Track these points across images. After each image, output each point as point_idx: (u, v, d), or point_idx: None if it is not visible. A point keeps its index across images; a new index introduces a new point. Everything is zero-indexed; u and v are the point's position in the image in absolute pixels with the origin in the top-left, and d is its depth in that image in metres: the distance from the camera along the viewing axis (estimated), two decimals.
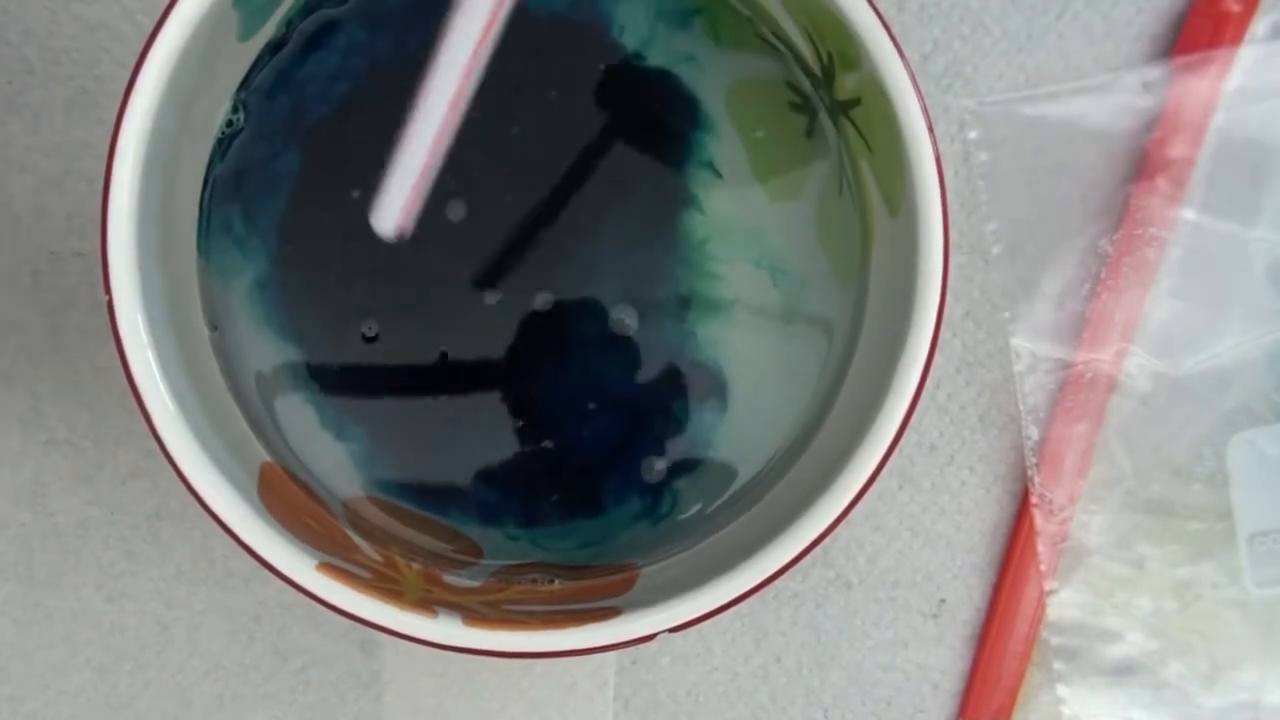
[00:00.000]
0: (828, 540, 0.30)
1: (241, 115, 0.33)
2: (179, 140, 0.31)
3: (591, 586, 0.33)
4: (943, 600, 0.39)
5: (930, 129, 0.29)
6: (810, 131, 0.34)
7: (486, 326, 0.34)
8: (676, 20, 0.33)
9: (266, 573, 0.29)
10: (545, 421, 0.34)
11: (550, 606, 0.32)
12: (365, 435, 0.34)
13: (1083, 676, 0.38)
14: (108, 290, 0.28)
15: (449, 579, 0.33)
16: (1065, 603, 0.38)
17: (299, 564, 0.29)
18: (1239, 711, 0.38)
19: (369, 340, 0.34)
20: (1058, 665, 0.39)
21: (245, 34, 0.32)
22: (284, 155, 0.33)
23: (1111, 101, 0.38)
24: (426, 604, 0.30)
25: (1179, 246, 0.38)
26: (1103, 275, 0.38)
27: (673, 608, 0.29)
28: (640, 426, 0.34)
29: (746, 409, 0.34)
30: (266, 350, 0.34)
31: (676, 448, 0.34)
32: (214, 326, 0.33)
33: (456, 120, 0.30)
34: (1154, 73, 0.38)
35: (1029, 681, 0.39)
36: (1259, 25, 0.37)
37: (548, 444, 0.34)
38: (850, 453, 0.30)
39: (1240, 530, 0.38)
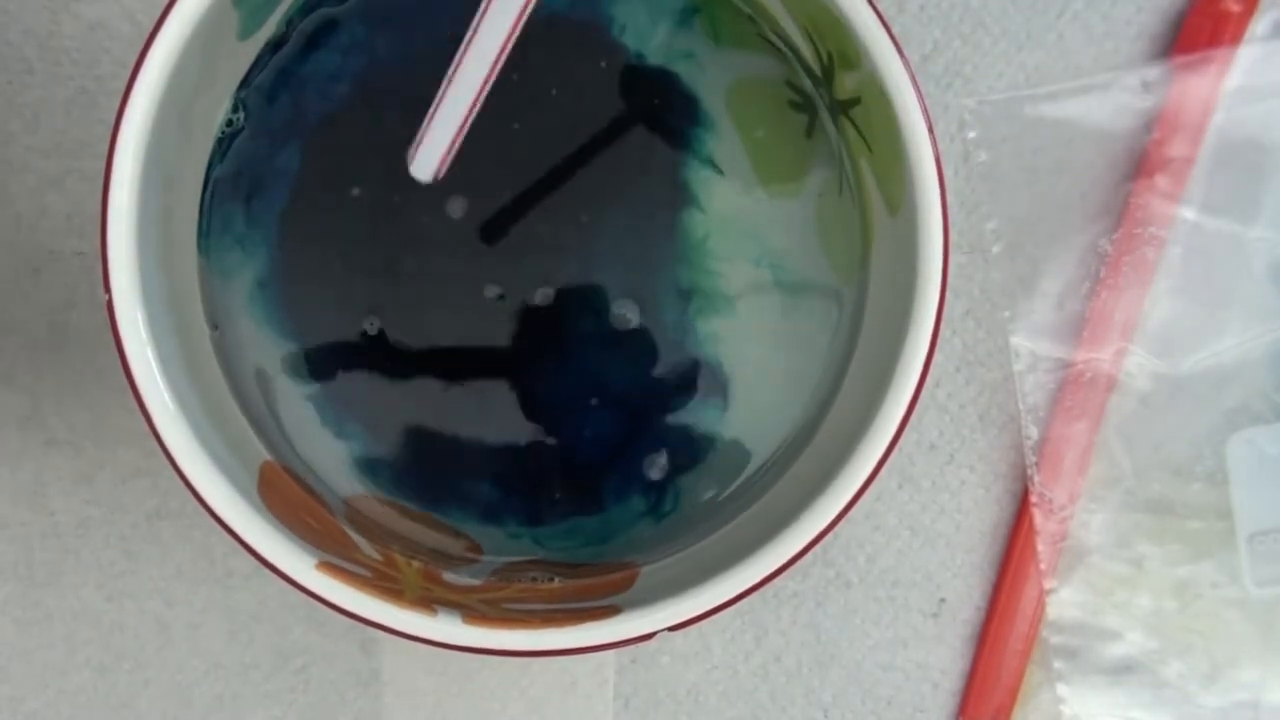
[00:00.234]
0: (827, 539, 0.30)
1: (241, 114, 0.33)
2: (179, 139, 0.31)
3: (591, 585, 0.33)
4: (942, 599, 0.39)
5: (930, 128, 0.29)
6: (810, 131, 0.34)
7: (487, 323, 0.34)
8: (676, 19, 0.33)
9: (267, 572, 0.29)
10: (547, 418, 0.34)
11: (550, 605, 0.32)
12: (365, 433, 0.34)
13: (1082, 675, 0.38)
14: (107, 289, 0.28)
15: (449, 577, 0.33)
16: (1065, 602, 0.38)
17: (299, 562, 0.29)
18: (1239, 711, 0.38)
19: (370, 338, 0.34)
20: (1057, 664, 0.39)
21: (245, 33, 0.32)
22: (284, 154, 0.33)
23: (1111, 101, 0.38)
24: (426, 602, 0.30)
25: (1178, 246, 0.38)
26: (1102, 274, 0.38)
27: (672, 606, 0.30)
28: (642, 423, 0.34)
29: (747, 407, 0.34)
30: (267, 349, 0.34)
31: (678, 444, 0.34)
32: (214, 325, 0.33)
33: (499, 67, 0.30)
34: (1154, 72, 0.38)
35: (1029, 680, 0.39)
36: (1259, 24, 0.37)
37: (550, 441, 0.34)
38: (850, 451, 0.30)
39: (1240, 529, 0.38)
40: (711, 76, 0.34)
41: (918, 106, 0.29)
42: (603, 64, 0.33)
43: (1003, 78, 0.38)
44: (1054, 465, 0.38)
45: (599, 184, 0.34)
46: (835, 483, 0.30)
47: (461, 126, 0.31)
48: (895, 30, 0.29)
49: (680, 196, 0.34)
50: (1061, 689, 0.39)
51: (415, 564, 0.33)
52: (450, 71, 0.31)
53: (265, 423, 0.34)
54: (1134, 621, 0.38)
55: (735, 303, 0.34)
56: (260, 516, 0.29)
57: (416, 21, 0.33)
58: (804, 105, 0.34)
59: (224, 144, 0.33)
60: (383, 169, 0.33)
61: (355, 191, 0.33)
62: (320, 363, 0.34)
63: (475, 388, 0.34)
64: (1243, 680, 0.38)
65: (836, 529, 0.30)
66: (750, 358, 0.34)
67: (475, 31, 0.30)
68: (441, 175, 0.32)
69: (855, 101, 0.32)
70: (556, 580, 0.33)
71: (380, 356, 0.34)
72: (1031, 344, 0.38)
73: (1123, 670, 0.39)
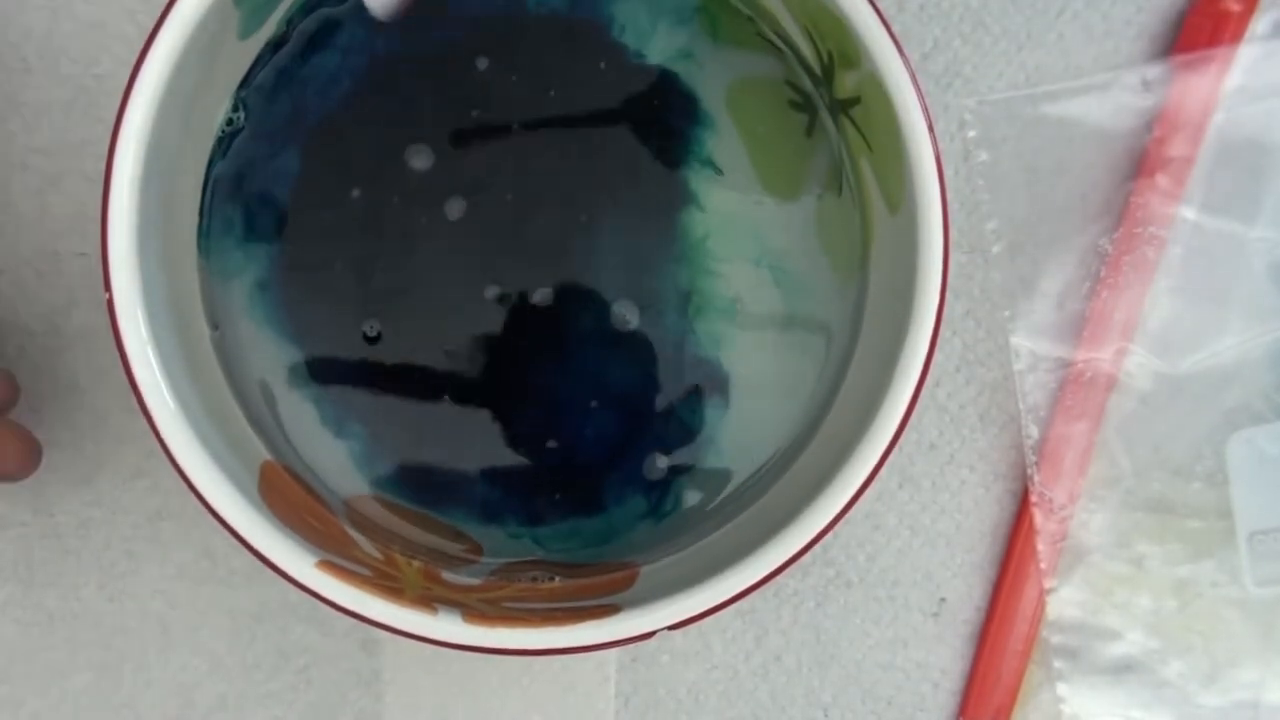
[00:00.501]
0: (827, 538, 0.30)
1: (242, 114, 0.33)
2: (179, 139, 0.31)
3: (591, 584, 0.33)
4: (943, 599, 0.39)
5: (930, 128, 0.29)
6: (810, 130, 0.34)
7: (487, 323, 0.34)
8: (676, 18, 0.33)
9: (268, 572, 0.29)
10: (547, 419, 0.34)
11: (550, 604, 0.32)
12: (366, 433, 0.34)
13: (1083, 675, 0.38)
14: (108, 288, 0.28)
15: (449, 576, 0.33)
16: (1065, 601, 0.38)
17: (299, 561, 0.29)
18: (1239, 710, 0.38)
19: (370, 339, 0.34)
20: (1058, 664, 0.39)
21: (245, 32, 0.32)
22: (284, 154, 0.33)
23: (1111, 100, 0.38)
24: (426, 601, 0.30)
25: (1179, 245, 0.38)
26: (1102, 274, 0.38)
27: (672, 605, 0.30)
28: (642, 423, 0.34)
29: (748, 406, 0.34)
30: (267, 349, 0.34)
31: (678, 444, 0.34)
32: (215, 326, 0.33)
33: None
34: (1154, 71, 0.38)
35: (1029, 680, 0.39)
36: (1259, 24, 0.37)
37: (550, 442, 0.34)
38: (850, 451, 0.30)
39: (1240, 529, 0.38)
40: (711, 76, 0.34)
41: (918, 106, 0.29)
42: (602, 64, 0.34)
43: (1003, 77, 0.38)
44: (1054, 465, 0.38)
45: (598, 184, 0.34)
46: (835, 482, 0.30)
47: None
48: (895, 29, 0.29)
49: (680, 196, 0.34)
50: (1062, 688, 0.39)
51: (415, 563, 0.33)
52: None
53: (266, 423, 0.34)
54: (1134, 621, 0.38)
55: (735, 303, 0.34)
56: (261, 516, 0.29)
57: (416, 21, 0.33)
58: (804, 104, 0.34)
59: (224, 143, 0.33)
60: (383, 169, 0.33)
61: (355, 192, 0.33)
62: (320, 364, 0.34)
63: (475, 388, 0.34)
64: (1243, 680, 0.38)
65: (836, 528, 0.30)
66: (750, 357, 0.34)
67: None
68: (400, 14, 0.31)
69: (855, 101, 0.32)
70: (557, 579, 0.33)
71: (380, 358, 0.34)
72: (1031, 344, 0.38)
73: (1123, 670, 0.39)
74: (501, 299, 0.34)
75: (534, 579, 0.33)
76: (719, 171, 0.34)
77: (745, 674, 0.39)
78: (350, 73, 0.33)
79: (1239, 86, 0.38)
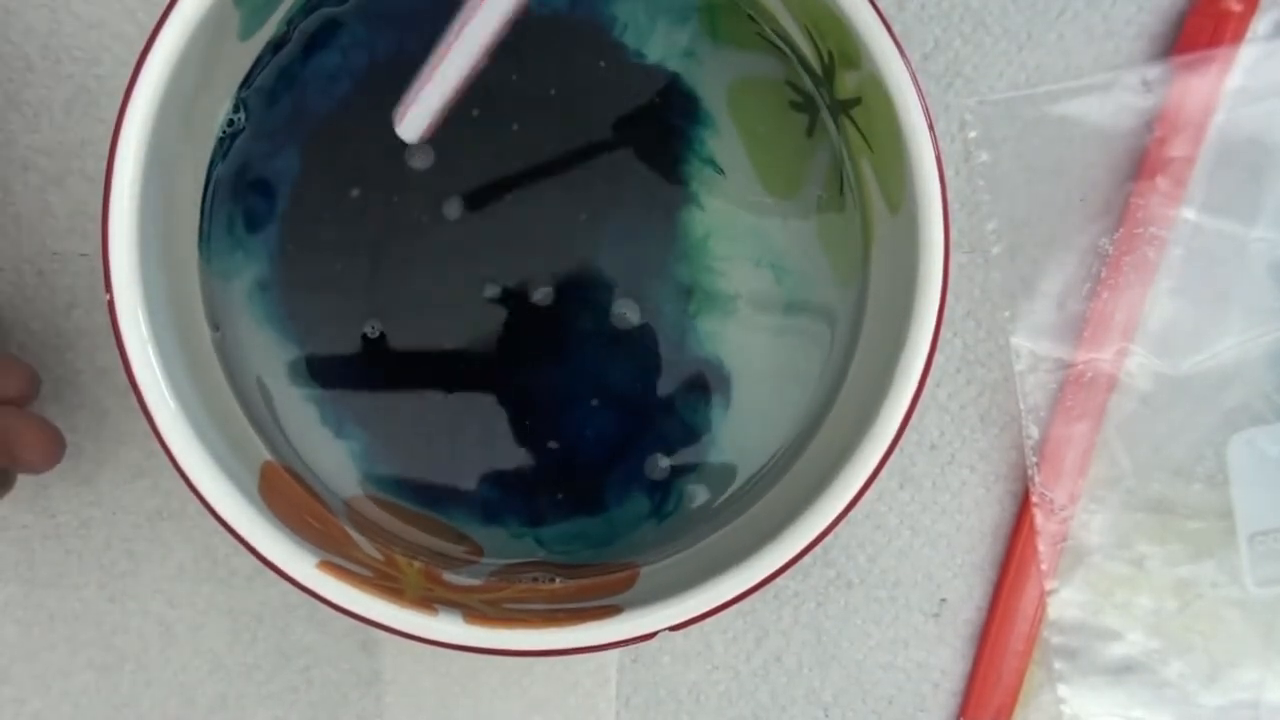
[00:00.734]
0: (828, 539, 0.30)
1: (242, 114, 0.33)
2: (180, 139, 0.31)
3: (592, 585, 0.33)
4: (943, 599, 0.39)
5: (931, 128, 0.29)
6: (811, 130, 0.34)
7: (487, 323, 0.34)
8: (676, 18, 0.33)
9: (269, 572, 0.29)
10: (548, 419, 0.34)
11: (551, 605, 0.32)
12: (366, 434, 0.34)
13: (1083, 675, 0.38)
14: (109, 288, 0.28)
15: (450, 577, 0.33)
16: (1066, 602, 0.38)
17: (300, 562, 0.29)
18: (1239, 710, 0.38)
19: (371, 340, 0.34)
20: (1058, 664, 0.39)
21: (246, 33, 0.32)
22: (285, 154, 0.33)
23: (1112, 100, 0.38)
24: (427, 602, 0.30)
25: (1179, 246, 0.38)
26: (1103, 274, 0.38)
27: (673, 606, 0.30)
28: (643, 423, 0.34)
29: (749, 406, 0.34)
30: (268, 350, 0.34)
31: (680, 444, 0.34)
32: (215, 326, 0.33)
33: (498, 35, 0.30)
34: (1154, 72, 0.38)
35: (1029, 680, 0.39)
36: (1259, 24, 0.37)
37: (551, 441, 0.34)
38: (851, 451, 0.30)
39: (1240, 529, 0.38)
40: (712, 75, 0.34)
41: (918, 106, 0.29)
42: (602, 63, 0.33)
43: (1003, 77, 0.38)
44: (1055, 465, 0.38)
45: (599, 184, 0.34)
46: (836, 483, 0.30)
47: (452, 94, 0.31)
48: (896, 29, 0.29)
49: (680, 196, 0.34)
50: (1062, 689, 0.39)
51: (416, 564, 0.33)
52: (445, 38, 0.30)
53: (266, 423, 0.34)
54: (1134, 621, 0.38)
55: (736, 302, 0.34)
56: (262, 516, 0.29)
57: (416, 21, 0.33)
58: (805, 105, 0.34)
59: (225, 144, 0.33)
60: (383, 170, 0.33)
61: (355, 192, 0.33)
62: (321, 364, 0.34)
63: (475, 388, 0.34)
64: (1243, 680, 0.38)
65: (837, 529, 0.30)
66: (752, 357, 0.34)
67: (477, 3, 0.30)
68: (428, 137, 0.32)
69: (856, 101, 0.32)
70: (558, 580, 0.33)
71: (380, 358, 0.34)
72: (1032, 344, 0.38)
73: (1123, 670, 0.39)
74: (501, 298, 0.34)
75: (535, 580, 0.33)
76: (720, 171, 0.34)
77: (746, 674, 0.39)
78: (350, 73, 0.33)
79: (1239, 87, 0.38)
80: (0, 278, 0.37)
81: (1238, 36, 0.37)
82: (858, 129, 0.32)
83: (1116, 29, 0.38)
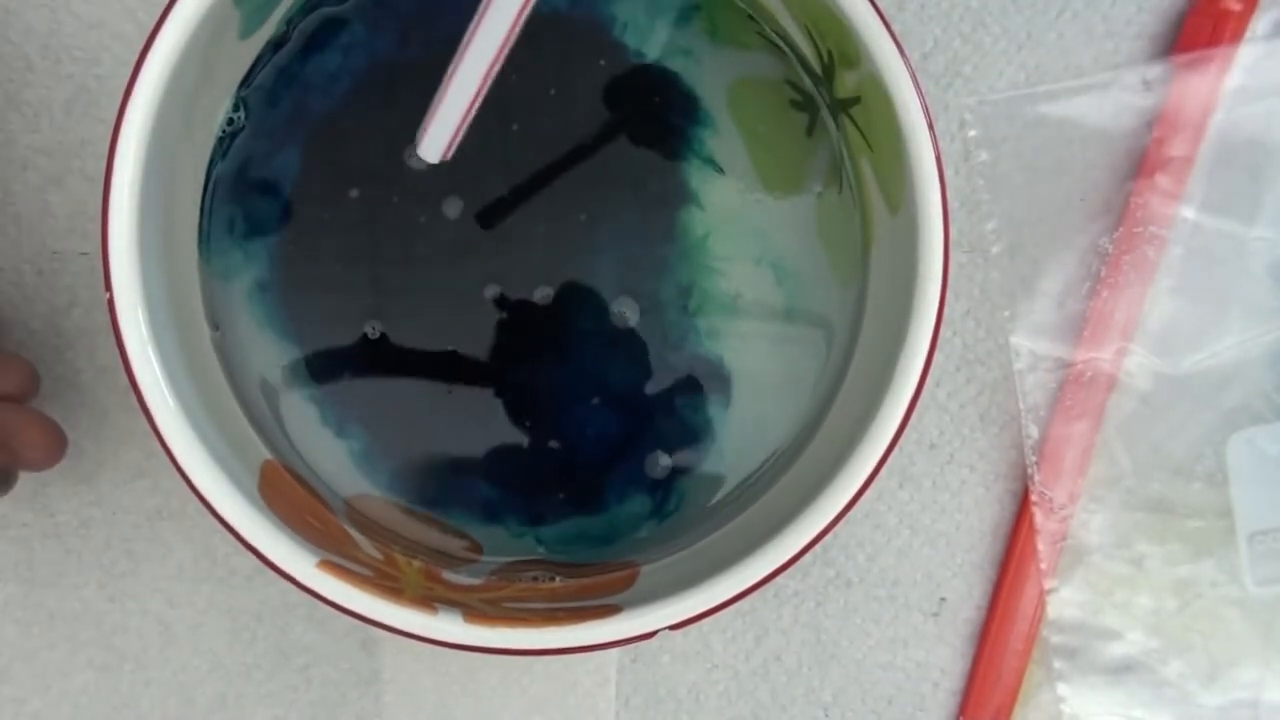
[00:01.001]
0: (828, 538, 0.30)
1: (242, 114, 0.33)
2: (180, 139, 0.31)
3: (592, 584, 0.33)
4: (943, 598, 0.39)
5: (930, 127, 0.29)
6: (811, 129, 0.34)
7: (487, 323, 0.34)
8: (676, 17, 0.33)
9: (269, 571, 0.29)
10: (548, 417, 0.34)
11: (551, 604, 0.32)
12: (366, 433, 0.34)
13: (1083, 675, 0.38)
14: (109, 287, 0.28)
15: (449, 576, 0.33)
16: (1065, 601, 0.38)
17: (300, 561, 0.29)
18: (1239, 710, 0.38)
19: (371, 341, 0.34)
20: (1058, 664, 0.39)
21: (246, 32, 0.32)
22: (284, 153, 0.33)
23: (1112, 100, 0.38)
24: (427, 601, 0.30)
25: (1179, 245, 0.38)
26: (1103, 274, 0.38)
27: (673, 605, 0.30)
28: (644, 422, 0.34)
29: (749, 404, 0.34)
30: (267, 349, 0.34)
31: (681, 443, 0.34)
32: (215, 326, 0.33)
33: (506, 52, 0.30)
34: (1154, 71, 0.38)
35: (1029, 680, 0.39)
36: (1259, 23, 0.37)
37: (551, 440, 0.34)
38: (850, 450, 0.30)
39: (1240, 529, 0.38)
40: (711, 75, 0.34)
41: (918, 105, 0.29)
42: (602, 62, 0.34)
43: (1003, 77, 0.38)
44: (1054, 465, 0.38)
45: (598, 183, 0.34)
46: (835, 482, 0.30)
47: (468, 110, 0.31)
48: (896, 29, 0.29)
49: (680, 195, 0.34)
50: (1062, 688, 0.39)
51: (416, 563, 0.33)
52: (457, 56, 0.31)
53: (266, 422, 0.34)
54: (1134, 621, 0.38)
55: (736, 301, 0.34)
56: (262, 515, 0.29)
57: (416, 21, 0.33)
58: (804, 104, 0.34)
59: (225, 143, 0.33)
60: (382, 170, 0.33)
61: (354, 193, 0.33)
62: (320, 363, 0.34)
63: (476, 388, 0.34)
64: (1242, 679, 0.38)
65: (837, 528, 0.30)
66: (751, 356, 0.34)
67: (482, 15, 0.30)
68: (449, 157, 0.32)
69: (856, 100, 0.32)
70: (557, 579, 0.33)
71: (381, 358, 0.34)
72: (1032, 344, 0.38)
73: (1123, 670, 0.39)
74: (501, 298, 0.34)
75: (535, 579, 0.33)
76: (720, 170, 0.34)
77: (745, 674, 0.39)
78: (350, 72, 0.33)
79: (1239, 86, 0.38)
80: (0, 277, 0.37)
81: (1237, 36, 0.37)
82: (857, 128, 0.32)
83: (1116, 29, 0.38)
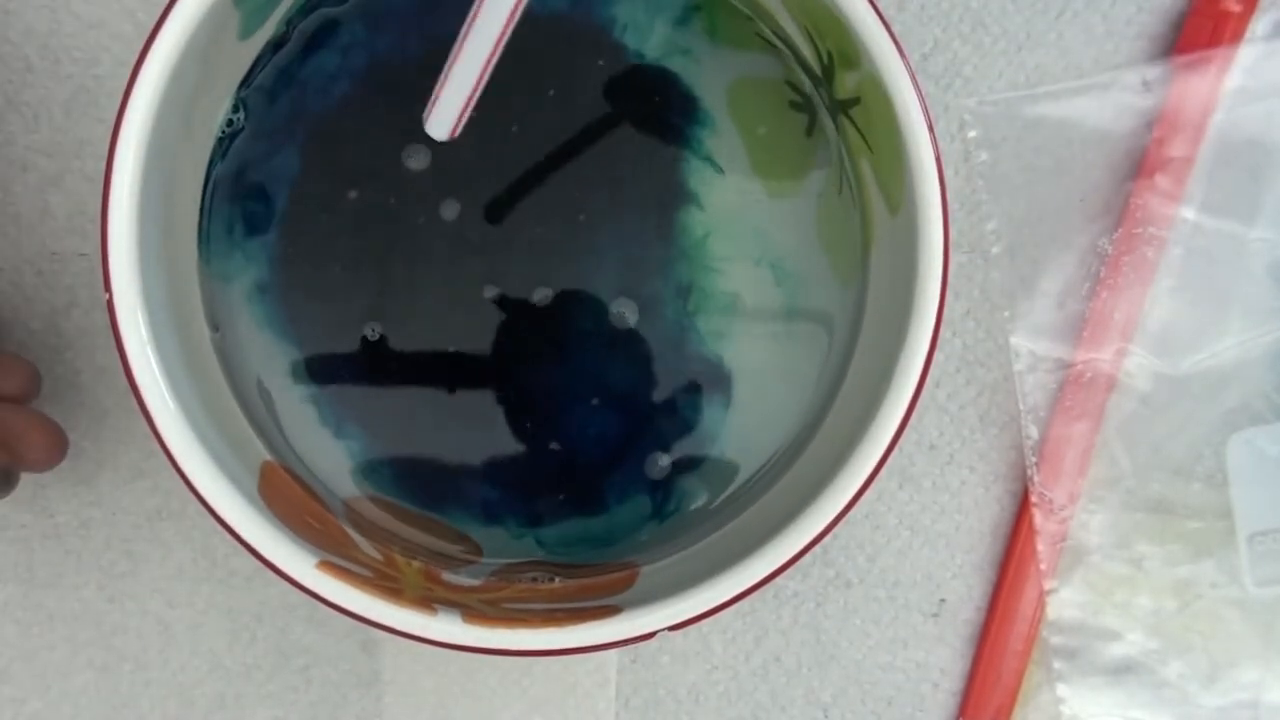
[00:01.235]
0: (827, 539, 0.30)
1: (242, 114, 0.33)
2: (180, 139, 0.31)
3: (591, 585, 0.33)
4: (942, 599, 0.39)
5: (930, 128, 0.29)
6: (810, 130, 0.34)
7: (486, 324, 0.34)
8: (675, 18, 0.33)
9: (268, 572, 0.29)
10: (548, 419, 0.34)
11: (550, 605, 0.32)
12: (366, 434, 0.34)
13: (1082, 675, 0.38)
14: (108, 288, 0.28)
15: (449, 577, 0.33)
16: (1065, 602, 0.38)
17: (299, 562, 0.29)
18: (1239, 710, 0.38)
19: (371, 342, 0.34)
20: (1057, 664, 0.39)
21: (246, 32, 0.32)
22: (284, 154, 0.33)
23: (1111, 101, 0.38)
24: (426, 602, 0.30)
25: (1179, 245, 0.38)
26: (1102, 274, 0.38)
27: (672, 606, 0.30)
28: (644, 422, 0.34)
29: (749, 405, 0.34)
30: (267, 350, 0.34)
31: (681, 443, 0.34)
32: (215, 327, 0.33)
33: (512, 25, 0.30)
34: (1154, 72, 0.38)
35: (1029, 680, 0.39)
36: (1258, 24, 0.37)
37: (551, 441, 0.34)
38: (850, 451, 0.30)
39: (1240, 529, 0.38)
40: (711, 75, 0.34)
41: (918, 106, 0.29)
42: (602, 63, 0.34)
43: (1003, 77, 0.38)
44: (1054, 465, 0.38)
45: (598, 184, 0.34)
46: (835, 483, 0.30)
47: (476, 85, 0.31)
48: (895, 29, 0.29)
49: (680, 195, 0.34)
50: (1061, 689, 0.39)
51: (415, 564, 0.33)
52: (463, 29, 0.30)
53: (265, 423, 0.34)
54: (1134, 621, 0.38)
55: (735, 301, 0.34)
56: (261, 516, 0.29)
57: (416, 21, 0.33)
58: (804, 105, 0.34)
59: (224, 144, 0.33)
60: (382, 171, 0.33)
61: (353, 194, 0.33)
62: (320, 364, 0.34)
63: (475, 389, 0.34)
64: (1243, 680, 0.38)
65: (836, 529, 0.30)
66: (751, 356, 0.34)
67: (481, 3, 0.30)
68: (457, 134, 0.32)
69: (855, 101, 0.32)
70: (557, 580, 0.33)
71: (380, 359, 0.34)
72: (1031, 344, 0.38)
73: (1123, 670, 0.39)
74: (501, 299, 0.34)
75: (534, 579, 0.33)
76: (719, 170, 0.34)
77: (745, 674, 0.39)
78: (350, 73, 0.33)
79: (1239, 87, 0.38)
80: (0, 278, 0.37)
81: (1237, 37, 0.37)
82: (857, 129, 0.32)
83: (1116, 29, 0.38)
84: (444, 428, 0.34)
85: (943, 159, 0.29)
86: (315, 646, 0.38)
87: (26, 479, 0.36)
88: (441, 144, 0.32)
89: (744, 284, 0.34)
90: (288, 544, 0.29)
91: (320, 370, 0.34)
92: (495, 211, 0.34)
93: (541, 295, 0.34)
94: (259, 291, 0.33)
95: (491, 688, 0.38)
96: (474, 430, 0.34)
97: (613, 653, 0.38)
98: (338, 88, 0.33)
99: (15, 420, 0.32)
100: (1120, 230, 0.38)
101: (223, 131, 0.33)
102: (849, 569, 0.39)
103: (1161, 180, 0.37)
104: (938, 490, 0.39)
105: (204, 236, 0.33)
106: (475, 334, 0.34)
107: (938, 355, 0.37)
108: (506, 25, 0.30)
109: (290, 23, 0.33)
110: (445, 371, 0.34)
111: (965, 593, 0.39)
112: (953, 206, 0.38)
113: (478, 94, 0.31)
